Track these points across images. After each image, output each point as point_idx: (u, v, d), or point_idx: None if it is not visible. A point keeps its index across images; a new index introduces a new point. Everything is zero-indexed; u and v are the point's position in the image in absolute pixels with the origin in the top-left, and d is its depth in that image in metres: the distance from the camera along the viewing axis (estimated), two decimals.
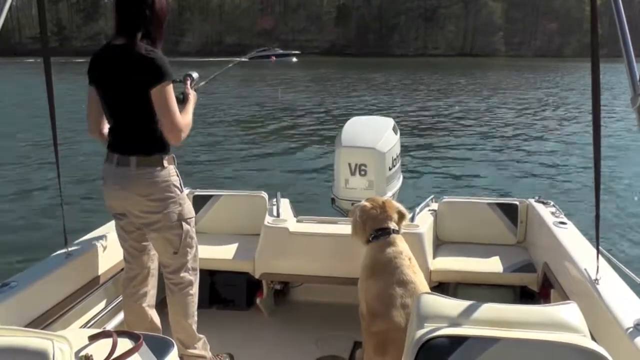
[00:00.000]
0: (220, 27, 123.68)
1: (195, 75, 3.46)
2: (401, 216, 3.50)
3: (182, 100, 3.20)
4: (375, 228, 3.40)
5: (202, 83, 3.62)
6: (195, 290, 3.33)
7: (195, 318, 3.35)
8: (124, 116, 3.07)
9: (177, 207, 3.13)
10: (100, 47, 3.13)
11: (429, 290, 3.14)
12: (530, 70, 63.73)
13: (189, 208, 3.23)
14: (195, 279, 3.33)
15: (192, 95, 3.30)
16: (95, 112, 3.20)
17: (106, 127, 3.24)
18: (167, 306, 3.34)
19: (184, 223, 3.17)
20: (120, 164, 3.06)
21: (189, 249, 3.24)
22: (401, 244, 3.34)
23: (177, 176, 3.15)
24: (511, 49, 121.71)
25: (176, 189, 3.12)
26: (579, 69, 61.66)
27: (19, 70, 56.53)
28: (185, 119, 3.05)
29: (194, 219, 3.29)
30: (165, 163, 3.07)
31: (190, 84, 3.39)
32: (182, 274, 3.25)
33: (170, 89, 2.95)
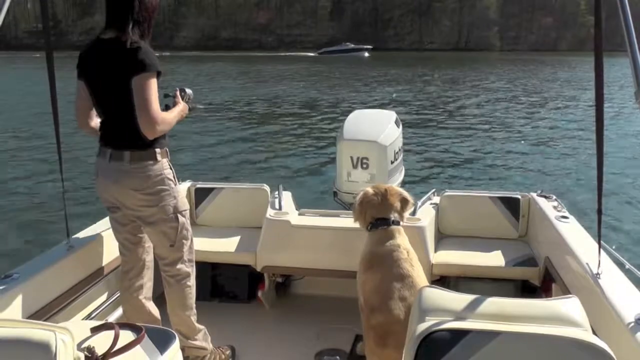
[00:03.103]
0: (216, 22, 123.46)
1: (189, 91, 3.40)
2: (404, 203, 3.44)
3: (168, 107, 3.15)
4: (375, 217, 3.38)
5: (200, 105, 3.56)
6: (192, 282, 3.33)
7: (194, 310, 3.35)
8: (114, 110, 3.05)
9: (172, 200, 3.12)
10: (89, 42, 3.12)
11: (427, 284, 3.14)
12: (527, 65, 63.81)
13: (183, 201, 3.23)
14: (192, 270, 3.33)
15: (182, 105, 3.25)
16: (84, 107, 3.18)
17: (96, 121, 3.22)
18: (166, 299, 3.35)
19: (179, 215, 3.17)
20: (113, 158, 3.04)
21: (184, 241, 3.24)
22: (400, 237, 3.31)
23: (171, 169, 3.14)
24: (506, 44, 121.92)
25: (170, 182, 3.11)
26: (575, 62, 61.87)
27: (16, 65, 56.34)
28: (164, 114, 2.99)
29: (188, 211, 3.28)
30: (159, 157, 3.05)
31: (183, 98, 3.32)
32: (178, 266, 3.25)
33: (151, 81, 2.89)
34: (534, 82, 40.13)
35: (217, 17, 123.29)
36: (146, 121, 2.89)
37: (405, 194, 3.50)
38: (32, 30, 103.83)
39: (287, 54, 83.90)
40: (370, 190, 3.48)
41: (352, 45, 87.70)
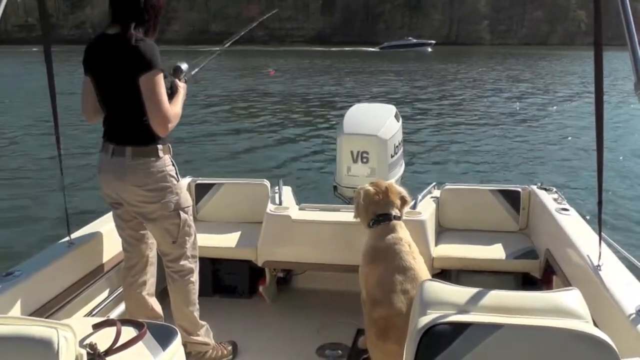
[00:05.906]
0: (207, 16, 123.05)
1: (184, 66, 3.43)
2: (404, 201, 3.51)
3: (171, 93, 3.16)
4: (377, 213, 3.41)
5: (193, 71, 3.56)
6: (195, 277, 3.34)
7: (197, 305, 3.35)
8: (118, 106, 3.05)
9: (174, 196, 3.12)
10: (94, 37, 3.12)
11: (429, 277, 3.15)
12: (520, 58, 63.96)
13: (185, 197, 3.23)
14: (195, 266, 3.34)
15: (182, 87, 3.26)
16: (91, 102, 3.18)
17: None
18: (169, 295, 3.35)
19: (181, 212, 3.17)
20: (115, 154, 3.04)
21: (187, 238, 3.25)
22: (401, 231, 3.35)
23: (173, 165, 3.14)
24: (496, 37, 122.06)
25: (172, 179, 3.11)
26: (567, 57, 61.95)
27: (7, 59, 55.94)
28: (173, 109, 3.02)
29: (190, 207, 3.29)
30: (161, 153, 3.06)
31: (179, 76, 3.35)
32: (182, 262, 3.26)
33: (158, 78, 2.92)
34: (530, 75, 40.23)
35: (208, 11, 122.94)
36: (159, 120, 2.92)
37: (404, 192, 3.56)
38: (22, 25, 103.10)
39: (349, 48, 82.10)
40: (370, 188, 3.52)
41: (415, 40, 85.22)
